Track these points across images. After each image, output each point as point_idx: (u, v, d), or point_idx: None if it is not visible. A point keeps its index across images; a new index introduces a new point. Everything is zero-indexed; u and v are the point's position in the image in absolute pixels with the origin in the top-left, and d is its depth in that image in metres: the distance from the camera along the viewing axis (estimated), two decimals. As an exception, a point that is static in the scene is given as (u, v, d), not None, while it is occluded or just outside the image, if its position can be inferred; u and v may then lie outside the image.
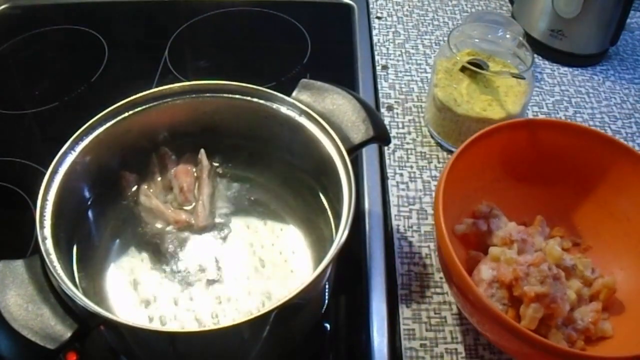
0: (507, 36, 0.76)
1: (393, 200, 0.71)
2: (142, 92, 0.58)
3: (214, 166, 0.62)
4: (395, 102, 0.83)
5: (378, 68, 0.88)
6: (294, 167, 0.61)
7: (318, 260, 0.55)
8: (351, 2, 1.00)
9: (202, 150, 0.61)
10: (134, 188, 0.60)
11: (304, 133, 0.58)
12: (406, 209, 0.70)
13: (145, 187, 0.60)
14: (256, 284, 0.54)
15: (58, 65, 0.92)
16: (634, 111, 0.83)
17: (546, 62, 0.91)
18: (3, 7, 1.02)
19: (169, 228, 0.57)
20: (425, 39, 0.94)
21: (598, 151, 0.62)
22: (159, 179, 0.60)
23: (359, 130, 0.57)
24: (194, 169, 0.61)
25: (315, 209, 0.59)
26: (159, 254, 0.56)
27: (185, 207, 0.59)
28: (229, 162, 0.63)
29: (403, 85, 0.86)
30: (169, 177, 0.60)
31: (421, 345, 0.59)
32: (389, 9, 1.00)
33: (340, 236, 0.48)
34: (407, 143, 0.78)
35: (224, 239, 0.58)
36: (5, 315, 0.43)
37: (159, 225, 0.58)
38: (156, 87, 0.59)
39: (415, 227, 0.69)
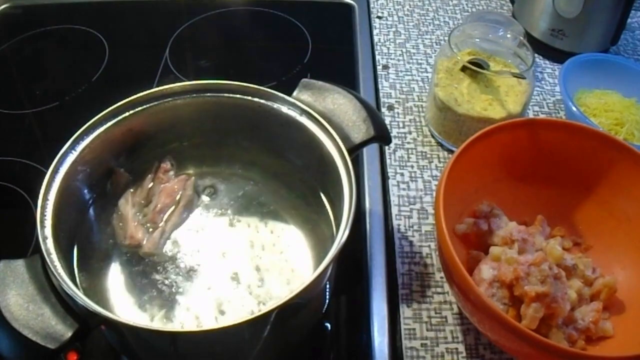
0: (508, 36, 0.76)
1: (394, 199, 0.71)
2: (142, 91, 0.58)
3: (201, 200, 0.60)
4: (396, 101, 0.83)
5: (379, 67, 0.88)
6: (294, 167, 0.61)
7: (319, 260, 0.55)
8: (352, 2, 1.00)
9: (193, 179, 0.60)
10: (124, 187, 0.59)
11: (304, 133, 0.58)
12: (407, 209, 0.70)
13: (132, 191, 0.59)
14: (257, 283, 0.54)
15: (58, 65, 0.92)
16: (635, 111, 0.83)
17: (547, 62, 0.91)
18: (3, 7, 1.02)
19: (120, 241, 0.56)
20: (425, 38, 0.94)
21: (599, 151, 0.62)
22: (149, 187, 0.60)
23: (359, 129, 0.57)
24: (180, 193, 0.59)
25: (316, 208, 0.59)
26: (159, 253, 0.56)
27: (150, 226, 0.58)
28: (229, 162, 0.63)
29: (404, 85, 0.86)
30: (156, 190, 0.59)
31: (422, 344, 0.59)
32: (390, 9, 1.00)
33: (341, 236, 0.48)
34: (408, 143, 0.78)
35: (225, 238, 0.58)
36: (6, 314, 0.43)
37: (119, 237, 0.56)
38: (157, 86, 0.59)
39: (416, 227, 0.69)
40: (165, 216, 0.58)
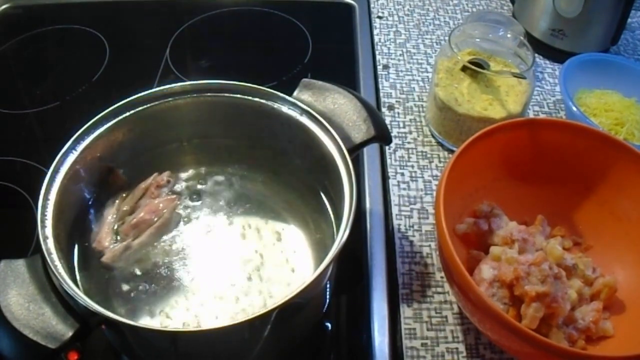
0: (508, 36, 0.76)
1: (394, 199, 0.71)
2: (143, 91, 0.59)
3: (180, 224, 0.59)
4: (396, 101, 0.83)
5: (379, 67, 0.88)
6: (295, 167, 0.61)
7: (319, 259, 0.55)
8: (352, 2, 1.00)
9: (175, 203, 0.59)
10: (118, 189, 0.59)
11: (305, 132, 0.58)
12: (407, 209, 0.70)
13: (123, 195, 0.59)
14: (257, 283, 0.54)
15: (59, 65, 0.92)
16: (635, 111, 0.83)
17: (547, 62, 0.91)
18: (4, 7, 1.02)
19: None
20: (426, 38, 0.94)
21: (599, 150, 0.62)
22: (139, 197, 0.59)
23: (360, 129, 0.57)
24: (161, 213, 0.58)
25: (317, 208, 0.59)
26: (160, 253, 0.56)
27: (121, 237, 0.56)
28: (229, 162, 0.63)
29: (404, 85, 0.86)
30: (144, 202, 0.58)
31: (422, 344, 0.59)
32: (390, 9, 1.00)
33: (341, 236, 0.48)
34: (408, 142, 0.78)
35: (225, 238, 0.58)
36: (7, 314, 0.43)
37: (92, 237, 0.56)
38: (157, 86, 0.59)
39: (416, 227, 0.69)
40: (138, 232, 0.57)
